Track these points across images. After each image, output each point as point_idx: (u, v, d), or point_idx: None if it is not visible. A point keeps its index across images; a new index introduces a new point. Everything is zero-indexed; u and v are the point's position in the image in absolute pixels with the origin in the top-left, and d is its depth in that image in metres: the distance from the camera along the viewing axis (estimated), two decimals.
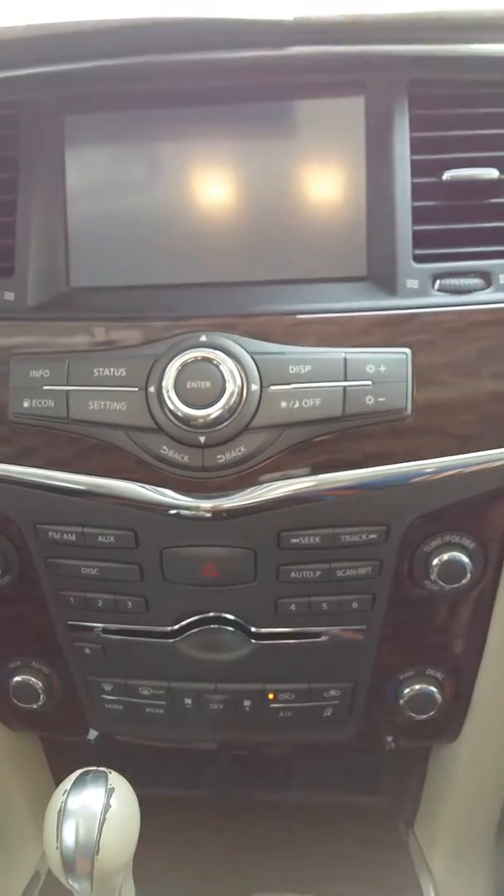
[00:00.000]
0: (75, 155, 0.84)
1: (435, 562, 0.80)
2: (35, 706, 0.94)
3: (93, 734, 1.00)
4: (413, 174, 0.79)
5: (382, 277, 0.79)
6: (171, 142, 0.85)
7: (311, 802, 1.21)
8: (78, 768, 0.73)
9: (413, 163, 0.79)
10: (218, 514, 0.77)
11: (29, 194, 0.83)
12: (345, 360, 0.75)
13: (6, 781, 1.09)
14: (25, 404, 0.79)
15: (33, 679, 0.93)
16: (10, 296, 0.82)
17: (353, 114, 0.81)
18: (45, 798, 0.71)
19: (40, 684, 0.93)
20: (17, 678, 0.93)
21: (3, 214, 0.83)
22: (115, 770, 0.73)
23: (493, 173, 0.78)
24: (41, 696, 0.93)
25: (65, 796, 0.71)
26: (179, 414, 0.74)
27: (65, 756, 1.14)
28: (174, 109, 0.84)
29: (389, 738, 0.97)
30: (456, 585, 0.80)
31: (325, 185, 0.83)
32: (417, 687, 0.88)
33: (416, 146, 0.79)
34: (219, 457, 0.76)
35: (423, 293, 0.78)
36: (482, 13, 0.75)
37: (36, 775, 1.15)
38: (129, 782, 0.73)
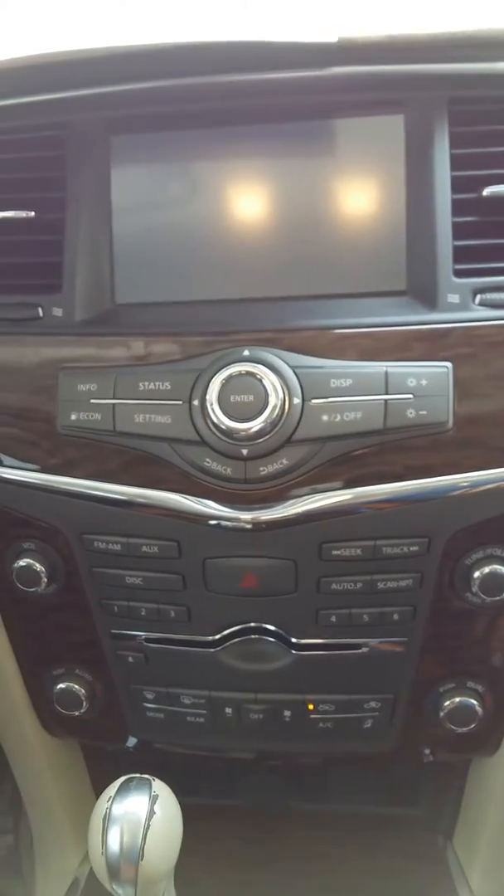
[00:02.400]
0: (120, 174, 0.86)
1: (476, 574, 0.80)
2: (77, 713, 0.96)
3: (131, 741, 1.01)
4: (453, 190, 0.80)
5: (423, 292, 0.80)
6: (214, 160, 0.86)
7: (348, 813, 1.20)
8: (116, 776, 0.74)
9: (453, 179, 0.80)
10: (258, 525, 0.78)
11: (76, 213, 0.85)
12: (386, 373, 0.76)
13: (47, 788, 1.11)
14: (73, 417, 0.81)
15: (76, 686, 0.94)
16: (58, 311, 0.84)
17: (393, 131, 0.82)
18: (84, 805, 0.72)
19: (83, 692, 0.94)
20: (61, 685, 0.95)
21: (52, 233, 0.85)
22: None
23: None
24: (84, 704, 0.95)
25: (109, 802, 0.71)
26: (223, 427, 0.75)
27: (103, 763, 1.15)
28: (216, 129, 0.85)
29: (428, 751, 0.97)
30: (497, 598, 0.80)
31: (365, 201, 0.84)
32: (458, 699, 0.88)
33: (455, 163, 0.80)
34: (261, 469, 0.77)
35: (464, 307, 0.78)
36: None
37: (76, 782, 1.16)
38: None
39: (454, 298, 0.79)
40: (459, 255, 0.79)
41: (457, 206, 0.80)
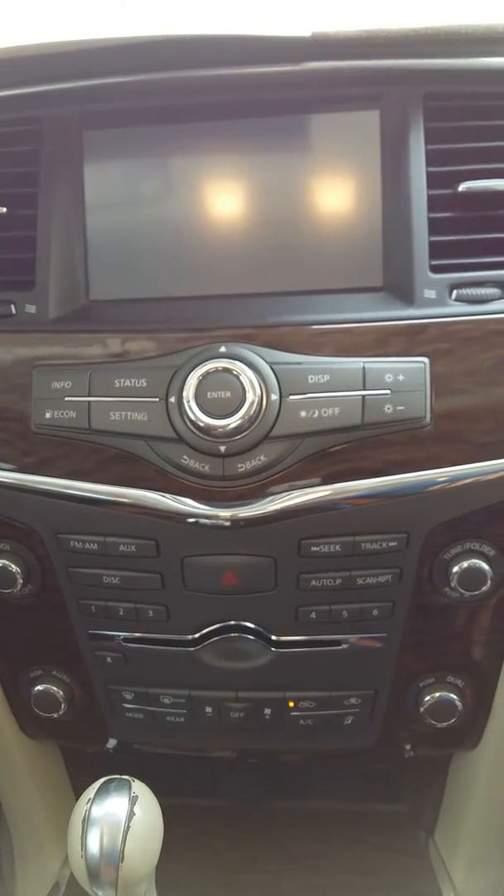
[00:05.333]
0: (94, 170, 0.86)
1: (455, 569, 0.80)
2: (56, 715, 0.95)
3: (111, 743, 1.01)
4: (429, 186, 0.80)
5: (399, 288, 0.80)
6: (189, 156, 0.86)
7: (330, 810, 1.20)
8: (97, 777, 0.73)
9: (429, 175, 0.80)
10: (237, 522, 0.78)
11: (49, 209, 0.84)
12: (363, 369, 0.76)
13: (26, 791, 1.10)
14: (48, 415, 0.80)
15: (54, 688, 0.93)
16: (31, 308, 0.83)
17: (369, 127, 0.82)
18: (64, 807, 0.71)
19: (61, 693, 0.93)
20: (39, 687, 0.93)
21: (24, 228, 0.84)
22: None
23: None
24: (62, 705, 0.94)
25: (89, 804, 0.71)
26: (200, 424, 0.75)
27: (83, 765, 1.14)
28: (191, 124, 0.85)
29: (408, 747, 0.97)
30: (476, 592, 0.80)
31: (341, 197, 0.84)
32: (438, 694, 0.88)
33: (431, 158, 0.80)
34: (239, 466, 0.77)
35: (441, 303, 0.78)
36: (496, 27, 0.76)
37: (55, 785, 1.15)
38: None
39: (431, 294, 0.79)
40: (436, 250, 0.79)
41: (433, 201, 0.80)
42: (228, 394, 0.75)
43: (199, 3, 0.82)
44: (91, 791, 0.72)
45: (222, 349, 0.77)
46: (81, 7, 0.89)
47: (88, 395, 0.79)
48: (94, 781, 0.73)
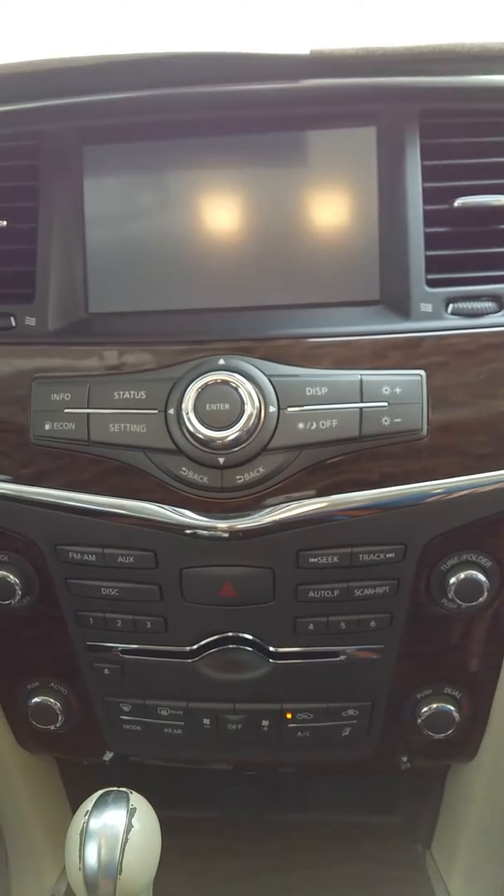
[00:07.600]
0: (93, 184, 0.86)
1: (452, 580, 0.80)
2: (53, 727, 0.94)
3: (108, 755, 1.00)
4: (425, 201, 0.81)
5: (396, 301, 0.81)
6: (188, 171, 0.87)
7: (327, 822, 1.20)
8: (93, 790, 0.73)
9: (425, 190, 0.81)
10: (235, 534, 0.78)
11: (49, 223, 0.85)
12: (361, 381, 0.77)
13: (23, 804, 1.09)
14: (47, 427, 0.80)
15: (52, 700, 0.93)
16: (31, 321, 0.84)
17: (366, 143, 0.83)
18: (61, 820, 0.71)
19: (59, 705, 0.93)
20: (36, 699, 0.93)
21: (24, 242, 0.85)
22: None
23: (502, 200, 0.79)
24: (59, 718, 0.93)
25: (86, 817, 0.71)
26: (199, 436, 0.75)
27: (80, 777, 1.14)
28: (190, 139, 0.86)
29: (405, 758, 0.97)
30: (473, 604, 0.81)
31: (339, 212, 0.85)
32: (435, 706, 0.89)
33: (427, 174, 0.81)
34: (237, 477, 0.77)
35: (437, 317, 0.79)
36: (492, 45, 0.77)
37: (52, 797, 1.14)
38: None
39: (427, 308, 0.80)
40: (432, 265, 0.80)
41: (429, 216, 0.81)
42: (227, 406, 0.76)
43: (200, 21, 0.83)
44: (89, 803, 0.71)
45: (221, 361, 0.78)
46: (82, 6, 0.90)
47: (88, 407, 0.79)
48: (90, 794, 0.73)
